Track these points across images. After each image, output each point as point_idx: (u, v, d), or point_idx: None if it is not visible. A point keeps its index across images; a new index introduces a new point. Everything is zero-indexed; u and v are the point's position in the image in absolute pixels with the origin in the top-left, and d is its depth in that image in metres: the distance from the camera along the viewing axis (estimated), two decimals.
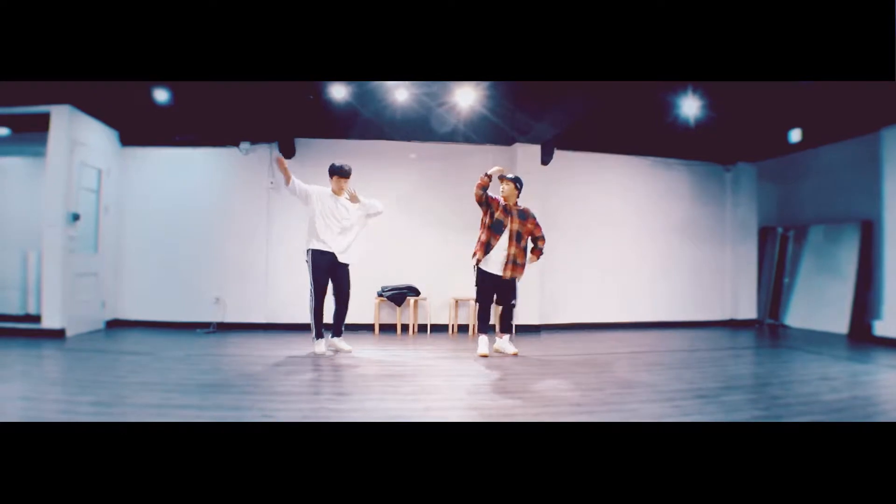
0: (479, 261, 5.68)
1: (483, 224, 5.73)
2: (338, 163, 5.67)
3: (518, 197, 5.81)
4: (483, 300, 5.72)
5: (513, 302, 5.83)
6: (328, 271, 5.56)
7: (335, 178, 5.62)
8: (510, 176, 5.79)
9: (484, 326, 5.77)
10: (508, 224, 5.67)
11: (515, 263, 5.68)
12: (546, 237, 7.55)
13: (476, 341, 5.93)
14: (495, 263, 5.65)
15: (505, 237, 5.65)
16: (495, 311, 6.05)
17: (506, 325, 5.91)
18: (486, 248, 5.63)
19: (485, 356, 5.57)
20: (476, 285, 5.74)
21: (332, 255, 5.54)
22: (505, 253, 5.66)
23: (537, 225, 5.85)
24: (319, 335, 5.59)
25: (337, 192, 5.64)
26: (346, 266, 5.65)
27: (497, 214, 5.65)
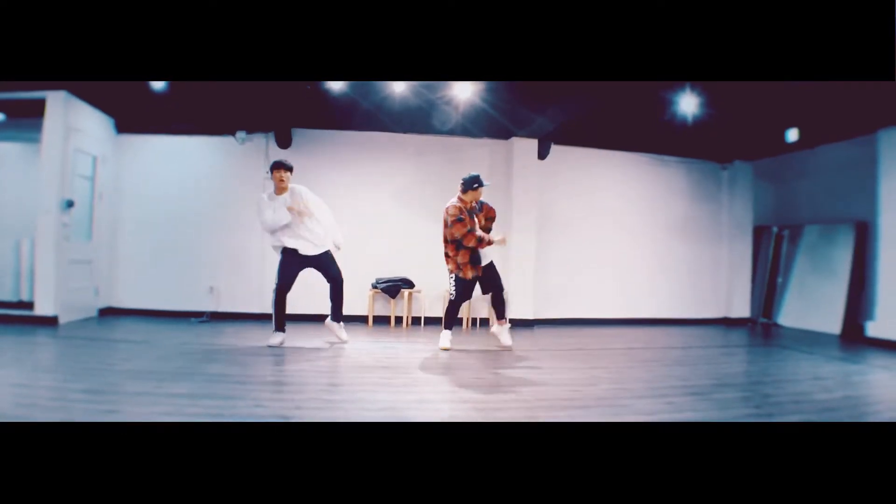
0: (463, 273, 5.54)
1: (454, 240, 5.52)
2: (276, 159, 5.53)
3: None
4: (460, 299, 5.64)
5: (501, 286, 5.73)
6: (300, 266, 5.48)
7: (277, 171, 5.41)
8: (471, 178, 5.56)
9: (451, 323, 5.74)
10: (476, 223, 5.53)
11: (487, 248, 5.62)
12: (541, 232, 7.60)
13: (491, 329, 5.95)
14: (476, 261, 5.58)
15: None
16: (467, 307, 6.02)
17: (500, 312, 5.79)
18: (475, 259, 5.52)
19: (446, 349, 5.56)
20: (456, 287, 5.61)
21: (304, 256, 5.46)
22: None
23: (490, 207, 5.75)
24: (278, 328, 5.49)
25: (277, 191, 5.44)
26: (326, 255, 5.55)
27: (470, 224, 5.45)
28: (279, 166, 5.42)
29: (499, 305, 5.79)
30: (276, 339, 5.46)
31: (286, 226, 5.38)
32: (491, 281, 5.70)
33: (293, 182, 5.52)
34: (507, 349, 5.71)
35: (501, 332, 5.80)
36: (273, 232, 5.43)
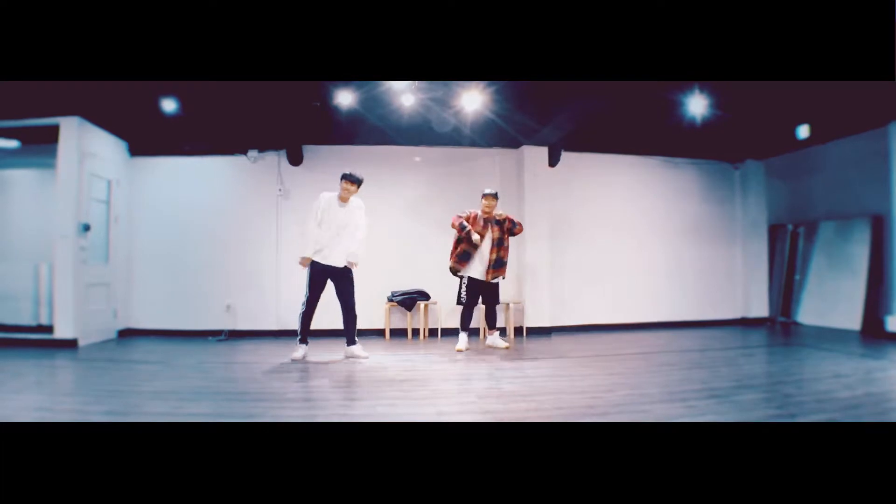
0: (456, 270, 6.36)
1: (459, 239, 6.32)
2: (348, 171, 5.65)
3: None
4: (469, 303, 6.39)
5: (497, 301, 6.49)
6: (325, 281, 5.63)
7: (345, 182, 5.60)
8: (491, 192, 6.33)
9: (466, 325, 6.44)
10: (488, 233, 6.21)
11: (498, 266, 6.27)
12: (554, 238, 7.69)
13: (486, 342, 6.49)
14: (479, 270, 6.28)
15: (487, 245, 6.21)
16: (479, 312, 6.68)
17: (492, 323, 6.54)
18: (466, 257, 6.22)
19: (460, 350, 6.18)
20: (465, 290, 6.37)
21: (330, 267, 5.58)
22: (488, 259, 6.21)
23: (513, 221, 6.35)
24: (303, 340, 5.63)
25: (343, 198, 5.64)
26: (347, 273, 5.65)
27: (474, 228, 6.16)
28: (343, 177, 5.62)
29: (490, 317, 6.55)
30: (300, 352, 5.57)
31: (321, 233, 5.58)
32: (490, 296, 6.44)
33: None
34: (506, 349, 6.31)
35: (495, 340, 6.46)
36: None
